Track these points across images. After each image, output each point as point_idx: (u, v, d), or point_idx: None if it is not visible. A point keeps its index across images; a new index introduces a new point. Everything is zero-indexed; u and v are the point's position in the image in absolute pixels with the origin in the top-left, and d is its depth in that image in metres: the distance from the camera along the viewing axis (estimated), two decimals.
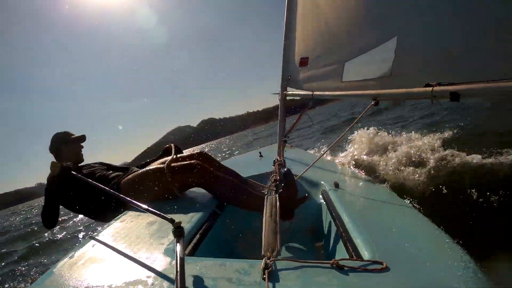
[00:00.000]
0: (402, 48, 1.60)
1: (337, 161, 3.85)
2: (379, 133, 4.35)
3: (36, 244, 5.67)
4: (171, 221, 0.89)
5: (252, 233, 1.31)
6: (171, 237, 1.00)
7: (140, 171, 1.64)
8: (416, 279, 0.72)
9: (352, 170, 2.44)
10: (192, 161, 1.56)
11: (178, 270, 0.69)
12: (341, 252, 1.02)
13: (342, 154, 4.30)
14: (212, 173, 1.54)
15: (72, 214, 7.47)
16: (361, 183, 1.89)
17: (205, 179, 1.52)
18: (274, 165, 2.04)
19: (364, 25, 1.88)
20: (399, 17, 1.65)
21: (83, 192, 1.59)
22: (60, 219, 1.72)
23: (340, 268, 0.74)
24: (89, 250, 1.02)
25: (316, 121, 15.21)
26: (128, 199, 1.12)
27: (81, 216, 7.11)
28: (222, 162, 2.10)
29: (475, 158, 2.95)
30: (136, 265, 0.87)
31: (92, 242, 1.08)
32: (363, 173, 2.47)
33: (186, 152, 2.00)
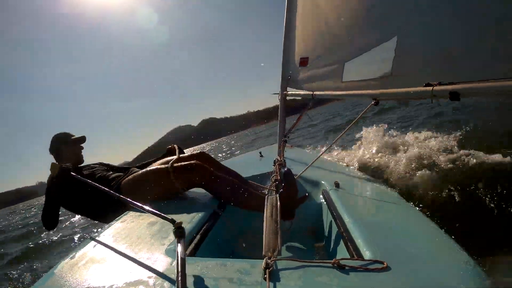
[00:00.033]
0: (402, 48, 1.60)
1: (346, 160, 3.79)
2: (388, 132, 4.25)
3: (31, 246, 5.56)
4: (172, 221, 0.89)
5: (252, 233, 1.31)
6: (172, 237, 1.00)
7: (141, 171, 1.64)
8: (417, 279, 0.72)
9: (353, 170, 2.44)
10: (192, 162, 1.56)
11: (179, 270, 0.69)
12: (342, 252, 1.02)
13: (349, 154, 4.19)
14: (212, 173, 1.54)
15: (67, 215, 7.39)
16: (361, 183, 1.89)
17: (205, 179, 1.52)
18: (274, 165, 2.04)
19: (364, 25, 1.88)
20: (399, 17, 1.65)
21: (83, 193, 1.59)
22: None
23: (341, 268, 0.74)
24: (90, 250, 1.02)
25: (318, 121, 15.21)
26: (129, 199, 1.13)
27: (77, 217, 7.02)
28: (223, 162, 2.10)
29: (476, 157, 2.95)
30: (137, 265, 0.87)
31: (93, 242, 1.08)
32: (364, 173, 2.47)
33: (186, 152, 2.00)
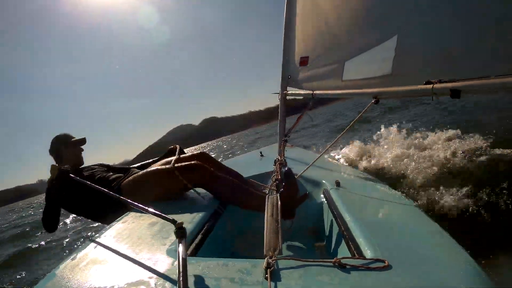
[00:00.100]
0: (402, 47, 1.60)
1: (361, 166, 3.73)
2: (403, 132, 4.25)
3: (23, 249, 5.35)
4: (173, 221, 0.89)
5: (253, 232, 1.31)
6: (173, 237, 1.00)
7: (141, 172, 1.64)
8: (418, 277, 0.72)
9: (353, 169, 2.44)
10: (193, 162, 1.56)
11: (181, 270, 0.69)
12: (343, 251, 1.03)
13: (364, 157, 4.13)
14: (213, 173, 1.54)
15: (62, 217, 7.21)
16: (362, 182, 1.89)
17: (206, 179, 1.52)
18: (275, 165, 2.04)
19: (364, 25, 1.88)
20: (399, 16, 1.65)
21: (83, 194, 1.59)
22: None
23: (342, 267, 0.75)
24: (91, 251, 1.02)
25: (321, 121, 15.18)
26: (129, 200, 1.12)
27: (71, 219, 6.88)
28: (223, 162, 2.10)
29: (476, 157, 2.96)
30: (138, 266, 0.87)
31: (94, 243, 1.08)
32: (365, 172, 2.47)
33: (187, 152, 2.01)
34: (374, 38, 1.77)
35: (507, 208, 2.16)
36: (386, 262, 0.75)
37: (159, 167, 1.63)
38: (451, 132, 3.96)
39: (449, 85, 1.15)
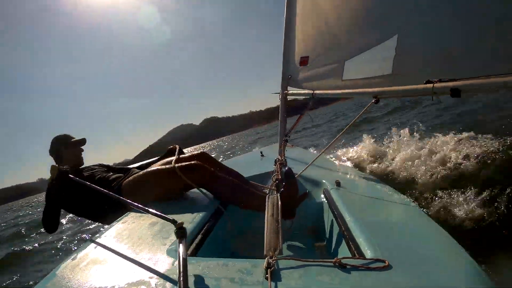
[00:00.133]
0: (402, 47, 1.60)
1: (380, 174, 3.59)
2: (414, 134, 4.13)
3: (16, 249, 5.28)
4: (173, 221, 0.89)
5: (253, 232, 1.31)
6: (173, 237, 1.00)
7: (142, 172, 1.64)
8: (418, 277, 0.72)
9: (354, 169, 2.44)
10: (193, 162, 1.56)
11: (181, 270, 0.69)
12: (343, 251, 1.02)
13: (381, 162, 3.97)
14: (213, 173, 1.54)
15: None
16: (362, 182, 1.89)
17: (206, 179, 1.52)
18: (275, 165, 2.04)
19: (364, 25, 1.89)
20: (399, 16, 1.65)
21: (83, 195, 1.59)
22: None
23: (342, 267, 0.74)
24: (91, 251, 1.02)
25: (322, 121, 15.14)
26: (129, 201, 1.13)
27: (67, 219, 6.80)
28: (223, 162, 2.10)
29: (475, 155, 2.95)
30: (139, 266, 0.87)
31: (94, 243, 1.08)
32: (365, 172, 2.47)
33: (186, 152, 2.01)
34: (374, 38, 1.77)
35: (507, 208, 2.16)
36: (386, 262, 0.75)
37: (159, 167, 1.63)
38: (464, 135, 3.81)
39: (450, 84, 1.15)
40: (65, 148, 1.90)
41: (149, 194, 1.53)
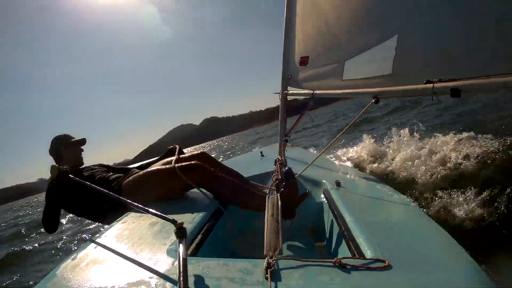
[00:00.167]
0: (402, 47, 1.60)
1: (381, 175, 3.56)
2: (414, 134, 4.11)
3: (16, 249, 5.25)
4: (173, 221, 0.89)
5: (253, 232, 1.31)
6: (173, 237, 1.00)
7: (142, 172, 1.64)
8: (418, 278, 0.72)
9: (354, 169, 2.44)
10: (193, 162, 1.56)
11: (181, 270, 0.69)
12: (343, 251, 1.02)
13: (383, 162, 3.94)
14: (213, 173, 1.54)
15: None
16: (362, 182, 1.89)
17: (206, 179, 1.52)
18: (275, 165, 2.04)
19: (364, 25, 1.89)
20: (399, 16, 1.65)
21: (83, 195, 1.59)
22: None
23: (342, 267, 0.74)
24: (91, 251, 1.02)
25: (323, 121, 15.11)
26: (129, 201, 1.12)
27: (65, 220, 6.79)
28: (224, 162, 2.10)
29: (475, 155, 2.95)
30: (139, 266, 0.87)
31: (94, 243, 1.08)
32: (365, 172, 2.47)
33: (186, 152, 2.01)
34: (374, 38, 1.77)
35: (507, 208, 2.16)
36: (386, 262, 0.75)
37: (159, 167, 1.63)
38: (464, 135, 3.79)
39: (450, 84, 1.15)
40: (65, 148, 1.90)
41: (149, 194, 1.53)
